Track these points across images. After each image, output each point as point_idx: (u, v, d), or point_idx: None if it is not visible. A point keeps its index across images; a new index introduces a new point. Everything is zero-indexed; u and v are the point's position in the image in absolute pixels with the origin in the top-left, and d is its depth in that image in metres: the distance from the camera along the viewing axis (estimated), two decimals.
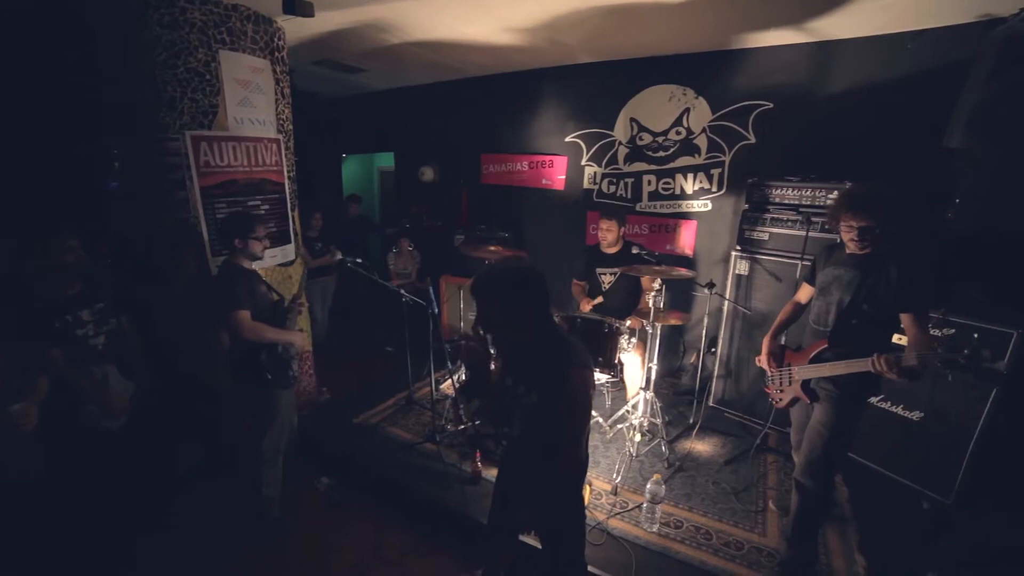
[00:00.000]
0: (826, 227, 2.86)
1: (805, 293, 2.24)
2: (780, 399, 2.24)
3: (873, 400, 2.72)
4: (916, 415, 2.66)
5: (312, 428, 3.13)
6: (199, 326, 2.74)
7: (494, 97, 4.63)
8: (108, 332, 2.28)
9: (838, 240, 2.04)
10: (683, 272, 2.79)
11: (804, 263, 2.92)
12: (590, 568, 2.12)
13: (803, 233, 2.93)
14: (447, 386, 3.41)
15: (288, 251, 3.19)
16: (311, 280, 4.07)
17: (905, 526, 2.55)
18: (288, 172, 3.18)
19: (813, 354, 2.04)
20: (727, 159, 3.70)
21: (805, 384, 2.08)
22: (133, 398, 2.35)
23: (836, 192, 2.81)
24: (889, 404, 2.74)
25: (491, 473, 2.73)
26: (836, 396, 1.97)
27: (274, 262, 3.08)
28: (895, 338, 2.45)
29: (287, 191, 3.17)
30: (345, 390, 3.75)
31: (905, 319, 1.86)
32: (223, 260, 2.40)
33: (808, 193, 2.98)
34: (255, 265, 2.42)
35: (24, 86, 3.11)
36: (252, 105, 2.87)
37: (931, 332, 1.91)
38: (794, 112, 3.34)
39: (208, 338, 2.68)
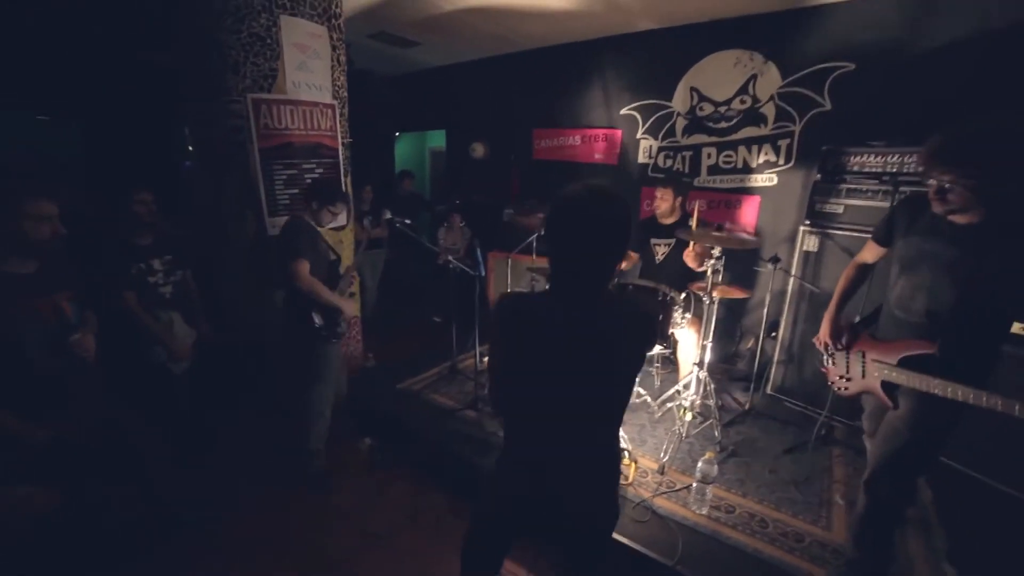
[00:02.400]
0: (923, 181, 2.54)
1: (872, 253, 1.84)
2: (844, 388, 1.88)
3: None
4: None
5: (357, 391, 3.20)
6: (256, 282, 2.85)
7: (547, 70, 4.52)
8: (175, 283, 2.42)
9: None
10: (744, 236, 2.59)
11: None
12: (632, 544, 2.03)
13: (886, 204, 2.64)
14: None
15: (341, 216, 3.25)
16: (366, 251, 4.15)
17: (1013, 542, 2.15)
18: (342, 138, 3.24)
19: (908, 354, 1.59)
20: (797, 129, 3.40)
21: (887, 384, 1.68)
22: (195, 345, 2.48)
23: None
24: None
25: None
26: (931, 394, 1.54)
27: (329, 225, 3.14)
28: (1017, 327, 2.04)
29: (341, 156, 3.22)
30: (390, 357, 3.81)
31: None
32: (292, 214, 2.48)
33: (895, 159, 2.67)
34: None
35: (108, 59, 3.36)
36: (309, 70, 2.93)
37: None
38: (881, 72, 3.00)
39: (263, 294, 2.78)
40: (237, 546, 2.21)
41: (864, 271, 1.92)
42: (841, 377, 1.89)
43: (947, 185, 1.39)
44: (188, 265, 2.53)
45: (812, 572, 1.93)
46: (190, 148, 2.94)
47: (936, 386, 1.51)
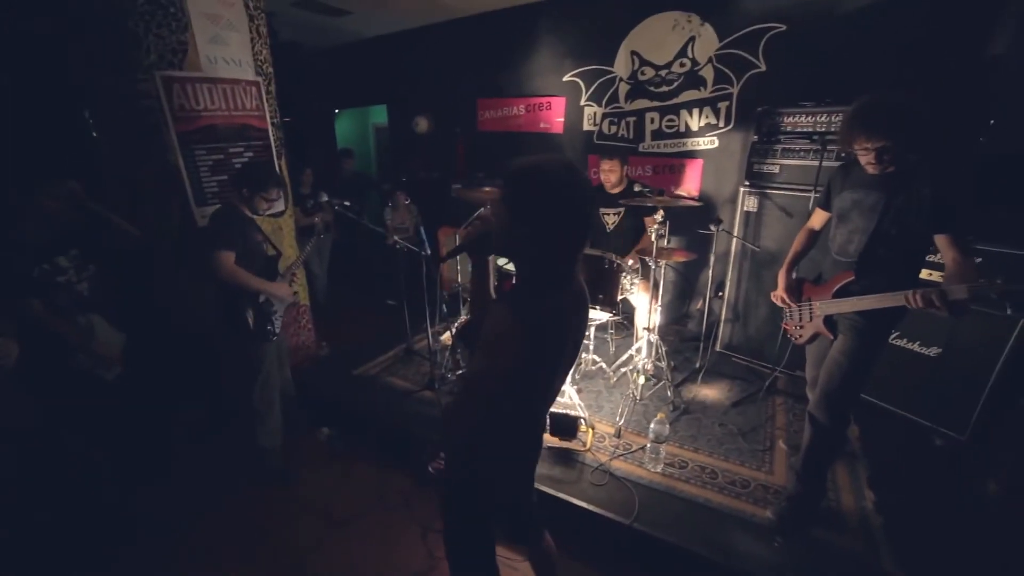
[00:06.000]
0: (841, 155, 2.67)
1: (819, 219, 2.07)
2: (800, 336, 2.10)
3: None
4: (934, 351, 2.55)
5: (312, 381, 3.11)
6: (188, 277, 2.67)
7: (487, 38, 4.37)
8: (90, 278, 2.22)
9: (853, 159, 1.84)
10: (687, 200, 2.66)
11: (817, 194, 2.74)
12: (590, 507, 2.10)
13: (816, 163, 2.75)
14: (446, 337, 3.35)
15: (278, 203, 3.07)
16: (306, 238, 3.97)
17: (916, 463, 2.49)
18: (271, 118, 3.03)
19: (837, 287, 1.87)
20: (735, 91, 3.46)
21: (827, 319, 1.93)
22: (126, 349, 2.31)
23: None
24: (905, 341, 2.63)
25: None
26: (861, 326, 1.82)
27: (266, 213, 2.96)
28: (924, 273, 2.31)
29: (271, 138, 3.02)
30: (345, 344, 3.71)
31: (942, 242, 1.66)
32: (223, 202, 2.31)
33: (823, 119, 2.78)
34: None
35: None
36: (225, 43, 2.69)
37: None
38: (810, 33, 3.07)
39: (199, 289, 2.61)
40: (203, 549, 2.15)
41: (813, 236, 2.13)
42: (796, 327, 2.10)
43: (883, 146, 1.62)
44: (98, 257, 2.31)
45: (756, 513, 2.07)
46: (94, 134, 2.66)
47: (854, 303, 1.79)
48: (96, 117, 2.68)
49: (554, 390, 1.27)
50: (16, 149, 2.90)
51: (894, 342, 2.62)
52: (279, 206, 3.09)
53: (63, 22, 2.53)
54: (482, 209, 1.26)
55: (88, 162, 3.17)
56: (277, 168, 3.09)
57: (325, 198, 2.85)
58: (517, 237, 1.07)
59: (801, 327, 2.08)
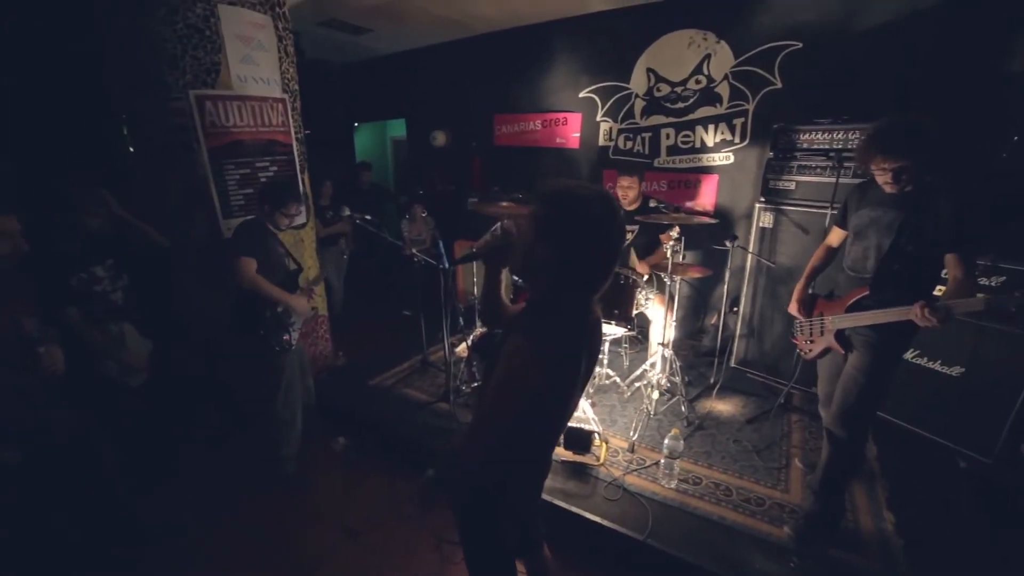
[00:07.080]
0: (858, 172, 2.67)
1: (837, 236, 2.09)
2: (809, 350, 2.12)
3: (907, 355, 2.58)
4: (956, 370, 2.51)
5: (328, 390, 3.16)
6: (209, 287, 2.75)
7: (504, 55, 4.46)
8: (124, 287, 2.31)
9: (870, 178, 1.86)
10: (702, 217, 2.67)
11: (833, 211, 2.74)
12: (604, 521, 2.10)
13: (832, 180, 2.75)
14: (462, 349, 3.38)
15: (299, 217, 3.16)
16: (325, 249, 4.06)
17: (938, 484, 2.44)
18: (296, 133, 3.13)
19: (851, 302, 1.88)
20: (751, 107, 3.48)
21: (839, 333, 1.94)
22: (152, 356, 2.40)
23: None
24: (925, 360, 2.60)
25: None
26: (875, 341, 1.83)
27: (286, 228, 3.05)
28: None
29: (295, 152, 3.12)
30: (361, 354, 3.77)
31: (951, 260, 1.69)
32: (249, 216, 2.41)
33: (840, 136, 2.78)
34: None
35: (35, 59, 3.12)
36: (255, 63, 2.81)
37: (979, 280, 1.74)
38: (826, 50, 3.10)
39: (218, 299, 2.69)
40: (216, 555, 2.19)
41: (830, 253, 2.15)
42: (807, 341, 2.12)
43: (900, 167, 1.65)
44: (131, 266, 2.40)
45: (772, 532, 2.05)
46: (131, 149, 2.78)
47: (869, 316, 1.80)
48: (133, 134, 2.80)
49: (568, 415, 1.27)
50: (56, 162, 3.06)
51: (915, 361, 2.59)
52: (299, 219, 3.18)
53: (105, 46, 2.67)
54: (505, 220, 1.26)
55: (121, 175, 3.32)
56: (300, 182, 3.19)
57: (347, 212, 2.93)
58: (539, 260, 1.05)
59: (811, 341, 2.10)
